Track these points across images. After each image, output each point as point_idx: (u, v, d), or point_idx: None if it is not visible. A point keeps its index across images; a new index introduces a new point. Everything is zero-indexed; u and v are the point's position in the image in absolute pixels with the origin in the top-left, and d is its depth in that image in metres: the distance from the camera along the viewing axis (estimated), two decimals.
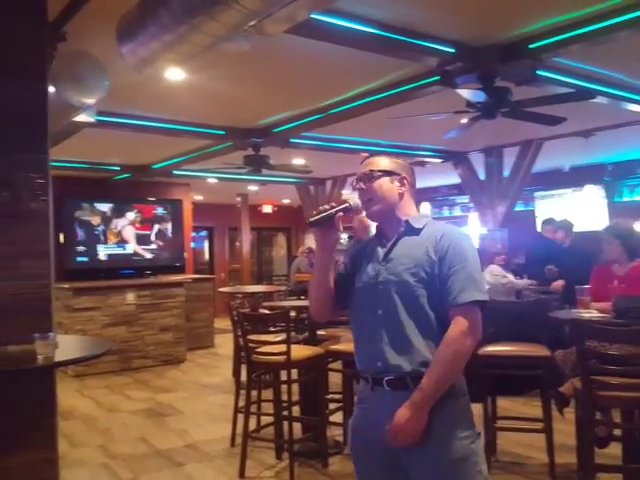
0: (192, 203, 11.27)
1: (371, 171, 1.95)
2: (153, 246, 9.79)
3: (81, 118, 3.72)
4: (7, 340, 2.46)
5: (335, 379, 4.61)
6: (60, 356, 2.39)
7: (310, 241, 12.77)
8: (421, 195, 10.72)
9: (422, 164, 8.89)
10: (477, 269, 1.85)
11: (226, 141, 7.16)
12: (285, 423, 4.02)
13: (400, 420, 1.75)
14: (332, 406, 4.38)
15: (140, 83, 4.61)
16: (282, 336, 3.97)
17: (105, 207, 9.30)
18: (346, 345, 4.23)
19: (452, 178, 9.89)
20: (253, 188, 11.62)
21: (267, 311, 5.07)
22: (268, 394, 4.52)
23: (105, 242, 9.25)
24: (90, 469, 4.12)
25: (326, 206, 1.91)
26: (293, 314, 4.87)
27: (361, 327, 1.96)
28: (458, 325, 1.77)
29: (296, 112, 6.16)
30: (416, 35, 3.96)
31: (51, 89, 2.81)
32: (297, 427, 4.18)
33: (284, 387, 4.04)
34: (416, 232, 1.91)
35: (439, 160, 8.75)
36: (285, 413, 4.02)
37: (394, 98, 5.19)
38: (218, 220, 14.38)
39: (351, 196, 1.96)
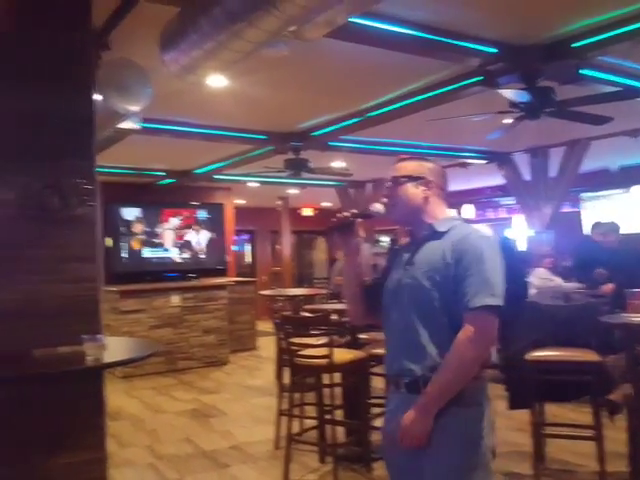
0: (234, 207, 11.39)
1: (395, 177, 1.98)
2: (196, 250, 9.93)
3: (126, 125, 3.81)
4: (58, 341, 2.53)
5: (378, 383, 4.58)
6: (109, 357, 2.45)
7: None
8: (464, 197, 10.57)
9: (465, 165, 8.78)
10: (495, 273, 1.80)
11: (267, 145, 7.21)
12: (328, 426, 4.02)
13: (406, 422, 1.78)
14: (375, 410, 4.35)
15: (182, 90, 4.69)
16: (324, 339, 3.97)
17: (149, 211, 9.49)
18: None
19: (496, 179, 9.74)
20: (293, 191, 11.67)
21: (308, 314, 5.09)
22: (311, 397, 4.53)
23: (150, 246, 9.44)
24: (137, 469, 4.20)
25: (346, 213, 1.96)
26: (334, 317, 4.87)
27: (386, 331, 2.00)
28: (465, 331, 1.76)
29: (335, 115, 6.16)
30: (457, 36, 3.91)
31: (97, 97, 2.88)
32: (340, 431, 4.17)
33: (327, 390, 4.04)
34: (439, 236, 1.90)
35: (482, 161, 8.62)
36: (328, 417, 4.01)
37: (435, 99, 5.14)
38: (259, 223, 14.50)
39: (376, 203, 2.00)
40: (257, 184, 10.23)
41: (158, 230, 9.59)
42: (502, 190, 10.48)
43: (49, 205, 2.56)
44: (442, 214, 1.97)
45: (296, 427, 4.35)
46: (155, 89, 3.42)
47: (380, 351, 4.06)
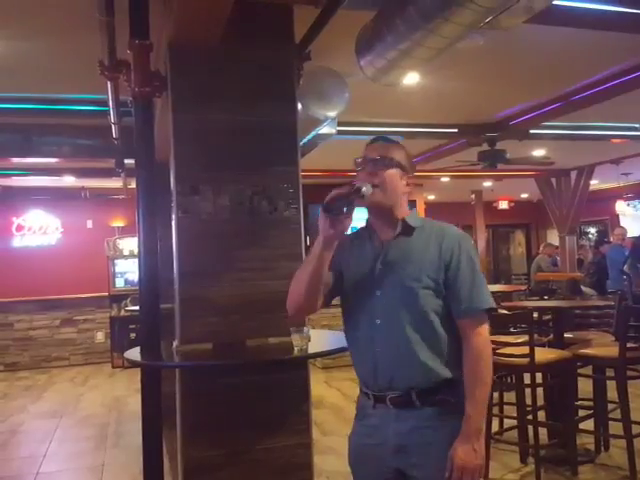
0: (425, 203, 11.35)
1: (385, 157, 1.73)
2: None
3: (324, 130, 4.01)
4: (268, 333, 2.76)
5: (585, 385, 4.29)
6: (313, 348, 2.61)
7: (553, 238, 12.00)
8: None
9: None
10: (481, 274, 1.72)
11: (459, 138, 7.09)
12: (530, 427, 3.86)
13: (465, 458, 1.61)
14: (582, 413, 4.09)
15: (375, 91, 4.79)
16: (524, 337, 3.82)
17: None
18: (598, 349, 3.93)
19: None
20: (488, 184, 11.30)
21: (506, 311, 4.91)
22: (510, 396, 4.38)
23: None
24: (339, 457, 4.36)
25: (343, 190, 1.64)
26: (535, 315, 4.64)
27: (356, 336, 1.82)
28: (481, 335, 1.67)
29: (535, 102, 5.86)
30: None
31: (299, 106, 3.07)
32: (543, 432, 3.99)
33: (528, 390, 3.88)
34: (412, 232, 1.75)
35: None
36: (530, 417, 3.86)
37: None
38: (451, 218, 14.07)
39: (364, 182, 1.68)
40: (448, 178, 10.09)
41: None
42: None
43: (259, 209, 2.80)
44: (407, 212, 1.80)
45: (495, 426, 4.24)
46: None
47: (589, 351, 3.82)
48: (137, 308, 2.94)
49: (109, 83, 3.63)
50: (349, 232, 1.72)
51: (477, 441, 1.62)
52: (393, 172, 1.73)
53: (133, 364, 3.04)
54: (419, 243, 1.73)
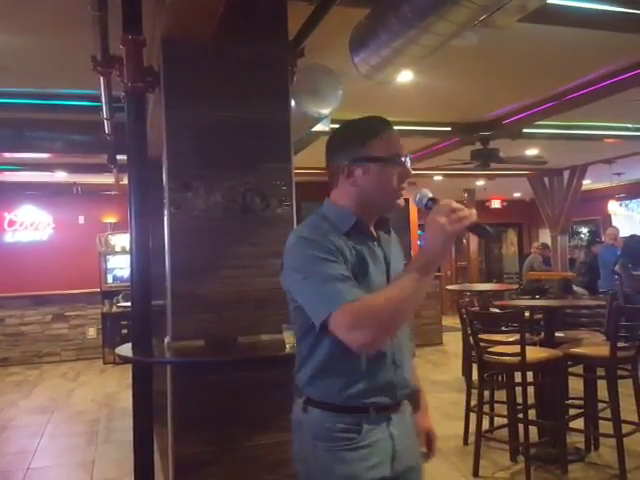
0: None
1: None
2: None
3: (318, 128, 4.01)
4: (260, 330, 2.76)
5: (575, 384, 4.31)
6: None
7: (545, 237, 12.06)
8: None
9: None
10: None
11: (452, 137, 7.10)
12: (520, 426, 3.88)
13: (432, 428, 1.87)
14: (572, 412, 4.11)
15: (368, 88, 4.79)
16: (515, 336, 3.84)
17: None
18: (589, 349, 3.95)
19: None
20: (480, 183, 11.33)
21: (498, 310, 4.93)
22: (501, 395, 4.39)
23: None
24: None
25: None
26: (527, 314, 4.67)
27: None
28: None
29: (528, 101, 5.88)
30: None
31: (292, 103, 3.07)
32: (533, 430, 4.01)
33: (518, 389, 3.90)
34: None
35: None
36: (520, 416, 3.88)
37: None
38: None
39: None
40: (441, 177, 10.11)
41: None
42: None
43: (251, 206, 2.80)
44: None
45: (486, 424, 4.26)
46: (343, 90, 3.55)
47: (580, 350, 3.84)
48: (129, 304, 2.93)
49: (102, 78, 3.61)
50: (319, 229, 1.53)
51: None
52: None
53: (124, 360, 3.03)
54: (394, 243, 1.68)
